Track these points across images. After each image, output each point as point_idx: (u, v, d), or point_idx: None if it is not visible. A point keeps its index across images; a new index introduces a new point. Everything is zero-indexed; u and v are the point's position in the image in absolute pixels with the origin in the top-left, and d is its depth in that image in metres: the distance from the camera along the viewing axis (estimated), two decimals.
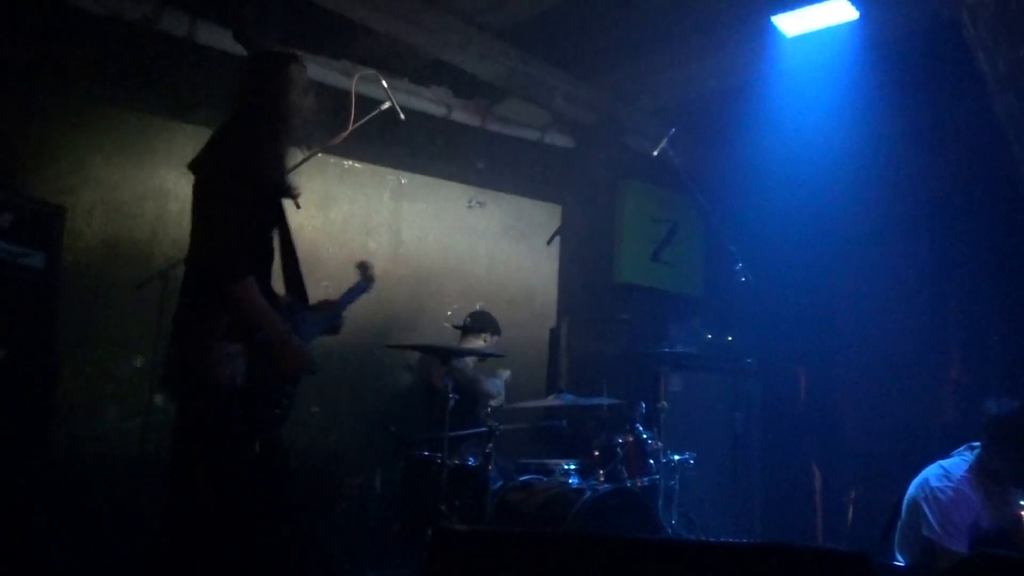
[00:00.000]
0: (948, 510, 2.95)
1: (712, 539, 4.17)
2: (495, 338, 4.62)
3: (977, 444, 3.11)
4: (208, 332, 2.27)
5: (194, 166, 2.45)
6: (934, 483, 3.04)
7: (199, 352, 2.27)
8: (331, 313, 2.82)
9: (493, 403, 4.28)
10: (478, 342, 4.54)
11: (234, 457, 2.31)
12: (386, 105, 3.75)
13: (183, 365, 2.30)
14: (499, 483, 3.78)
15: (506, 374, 4.64)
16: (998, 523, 3.01)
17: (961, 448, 3.18)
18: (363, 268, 3.14)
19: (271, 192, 2.48)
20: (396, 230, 5.14)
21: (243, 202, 2.34)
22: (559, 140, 5.74)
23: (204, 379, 2.26)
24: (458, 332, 4.69)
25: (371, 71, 3.75)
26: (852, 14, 4.24)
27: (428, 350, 4.13)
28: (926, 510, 3.00)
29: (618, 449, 3.93)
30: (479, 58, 4.71)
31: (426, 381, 4.48)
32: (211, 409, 2.27)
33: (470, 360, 4.43)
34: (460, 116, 5.27)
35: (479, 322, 4.62)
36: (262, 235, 2.47)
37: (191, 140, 4.51)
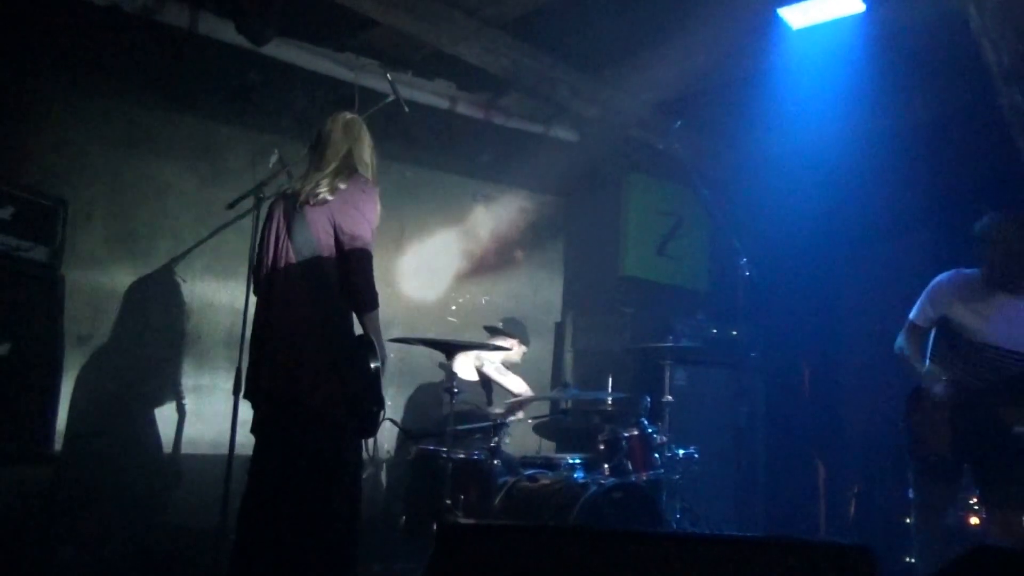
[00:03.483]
0: (930, 289, 3.38)
1: (716, 532, 4.18)
2: (523, 348, 4.64)
3: None
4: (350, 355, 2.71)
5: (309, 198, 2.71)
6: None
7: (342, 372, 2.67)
8: None
9: (515, 399, 4.29)
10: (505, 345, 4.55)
11: (354, 462, 2.74)
12: (390, 98, 3.75)
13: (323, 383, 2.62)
14: (504, 477, 3.78)
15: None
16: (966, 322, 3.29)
17: None
18: None
19: None
20: (400, 224, 5.13)
21: None
22: (563, 133, 5.71)
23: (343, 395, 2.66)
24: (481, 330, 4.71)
25: (375, 63, 3.76)
26: (858, 7, 4.21)
27: (432, 344, 4.12)
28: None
29: (623, 443, 3.93)
30: (483, 51, 4.68)
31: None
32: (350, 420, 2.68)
33: (496, 356, 4.43)
34: (464, 109, 5.24)
35: (513, 328, 4.65)
36: None
37: (192, 132, 4.50)
